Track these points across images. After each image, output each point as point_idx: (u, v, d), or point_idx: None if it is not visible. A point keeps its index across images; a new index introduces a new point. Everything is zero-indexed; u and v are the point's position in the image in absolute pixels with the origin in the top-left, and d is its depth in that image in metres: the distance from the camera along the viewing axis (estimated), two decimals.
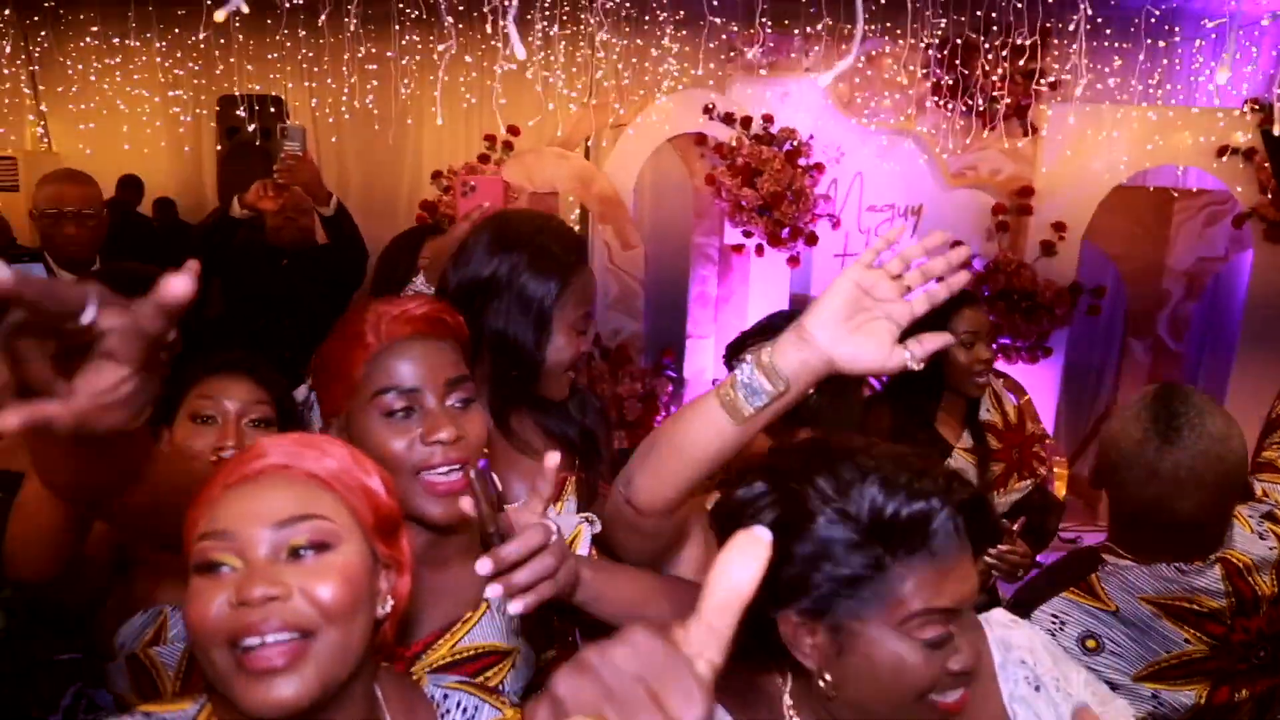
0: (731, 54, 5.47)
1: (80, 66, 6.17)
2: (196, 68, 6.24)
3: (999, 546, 2.20)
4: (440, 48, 4.89)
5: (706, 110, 5.27)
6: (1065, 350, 5.55)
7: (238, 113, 6.00)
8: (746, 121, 5.24)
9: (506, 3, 4.06)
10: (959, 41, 5.02)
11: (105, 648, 1.51)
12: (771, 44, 5.34)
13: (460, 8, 4.69)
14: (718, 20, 5.32)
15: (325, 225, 3.57)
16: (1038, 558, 2.46)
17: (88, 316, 0.73)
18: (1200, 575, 1.63)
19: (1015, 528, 2.25)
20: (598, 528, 1.49)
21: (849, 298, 1.15)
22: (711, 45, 5.46)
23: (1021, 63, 4.98)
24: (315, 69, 5.91)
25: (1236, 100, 5.46)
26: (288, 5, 4.83)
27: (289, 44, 5.63)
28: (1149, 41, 5.44)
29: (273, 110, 5.99)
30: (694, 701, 0.56)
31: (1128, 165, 5.29)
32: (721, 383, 1.18)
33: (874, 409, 2.57)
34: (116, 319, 0.76)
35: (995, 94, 5.14)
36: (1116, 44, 5.59)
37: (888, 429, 2.50)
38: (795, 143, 5.23)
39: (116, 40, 5.93)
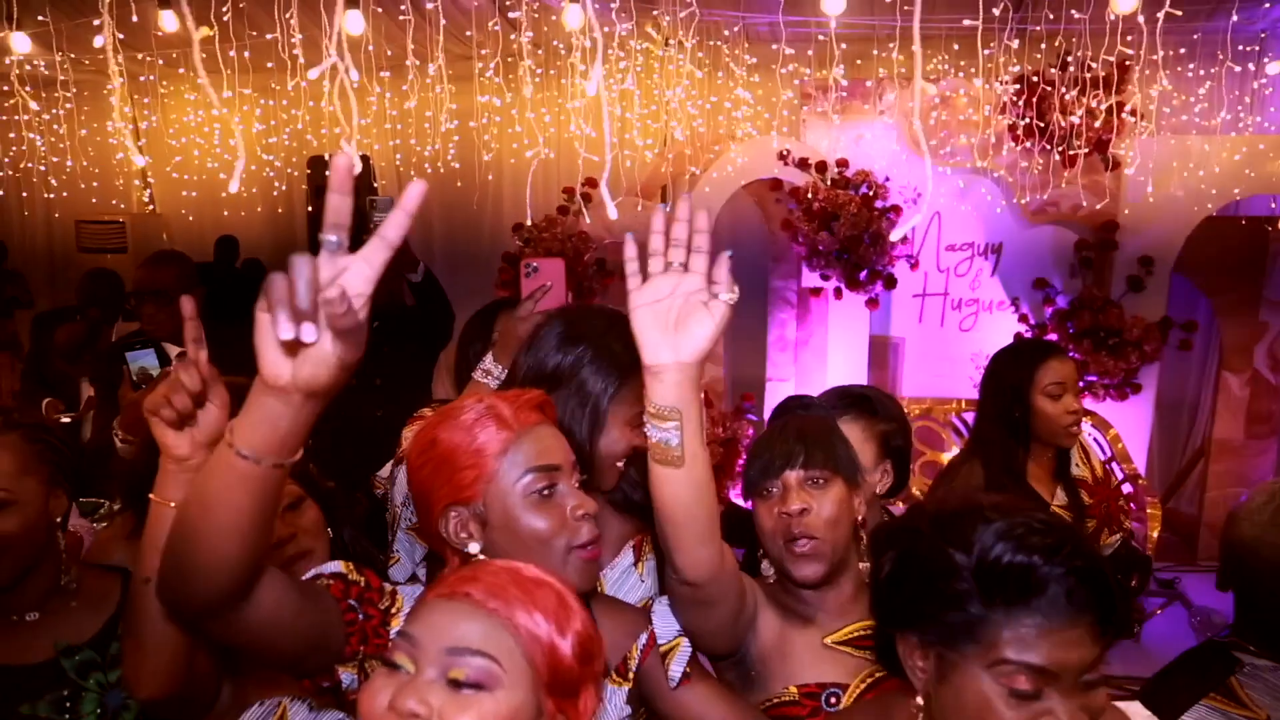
0: (805, 99, 5.52)
1: (181, 133, 6.51)
2: (287, 131, 6.54)
3: None
4: (517, 106, 5.06)
5: (781, 156, 5.32)
6: (1156, 386, 5.40)
7: (326, 173, 6.26)
8: (821, 166, 5.27)
9: (584, 61, 4.20)
10: (1035, 78, 4.98)
11: None
12: (845, 88, 5.38)
13: (538, 71, 4.84)
14: (791, 67, 5.39)
15: (413, 290, 3.70)
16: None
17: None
18: None
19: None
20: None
21: (650, 319, 1.23)
22: (786, 92, 5.51)
23: (1100, 96, 4.92)
24: (399, 127, 6.13)
25: None
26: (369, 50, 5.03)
27: (375, 106, 5.86)
28: (1236, 69, 5.32)
29: (360, 170, 6.24)
30: None
31: (1217, 196, 5.17)
32: (649, 454, 1.30)
33: (964, 467, 2.56)
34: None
35: (1074, 129, 5.08)
36: (1201, 72, 5.48)
37: (980, 485, 2.48)
38: (871, 185, 5.24)
39: (215, 111, 6.26)
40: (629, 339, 1.70)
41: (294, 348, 0.95)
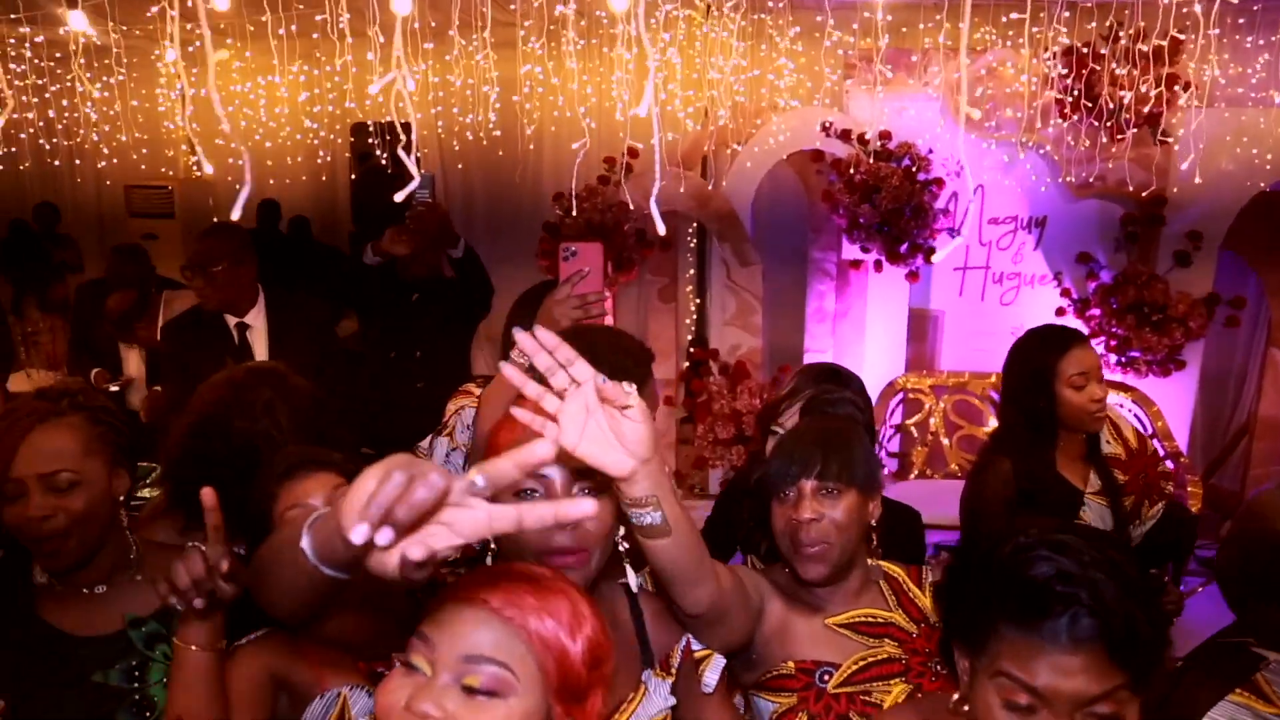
0: (849, 70, 5.46)
1: (228, 100, 6.58)
2: (331, 97, 6.58)
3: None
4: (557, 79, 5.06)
5: (824, 127, 5.28)
6: (1201, 362, 5.34)
7: (368, 139, 6.32)
8: (864, 138, 5.23)
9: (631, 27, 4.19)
10: (1084, 50, 4.89)
11: None
12: (889, 59, 5.31)
13: (579, 42, 4.83)
14: (834, 37, 5.32)
15: (454, 266, 3.76)
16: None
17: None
18: None
19: (1166, 577, 2.24)
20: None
21: (593, 448, 1.22)
22: (829, 63, 5.45)
23: (1151, 69, 4.81)
24: (441, 94, 6.15)
25: None
26: (415, 28, 5.04)
27: (418, 75, 5.87)
28: None
29: (402, 136, 6.28)
30: None
31: (1271, 172, 5.06)
32: (634, 531, 1.34)
33: (991, 466, 2.55)
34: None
35: (1123, 102, 4.99)
36: (1260, 42, 5.33)
37: (1010, 482, 2.48)
38: (913, 158, 5.20)
39: (261, 78, 6.32)
40: (637, 354, 1.78)
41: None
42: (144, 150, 6.44)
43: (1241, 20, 5.05)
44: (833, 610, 1.70)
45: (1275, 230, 5.37)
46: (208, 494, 1.35)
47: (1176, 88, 4.97)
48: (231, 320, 3.38)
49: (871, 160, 5.20)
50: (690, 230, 5.82)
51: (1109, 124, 4.87)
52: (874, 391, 5.33)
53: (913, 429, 5.45)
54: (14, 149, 6.24)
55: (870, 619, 1.69)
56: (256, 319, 3.39)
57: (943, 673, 1.51)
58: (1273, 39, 5.18)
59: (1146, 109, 4.73)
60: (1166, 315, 5.09)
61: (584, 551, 1.39)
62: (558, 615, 1.09)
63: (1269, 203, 5.20)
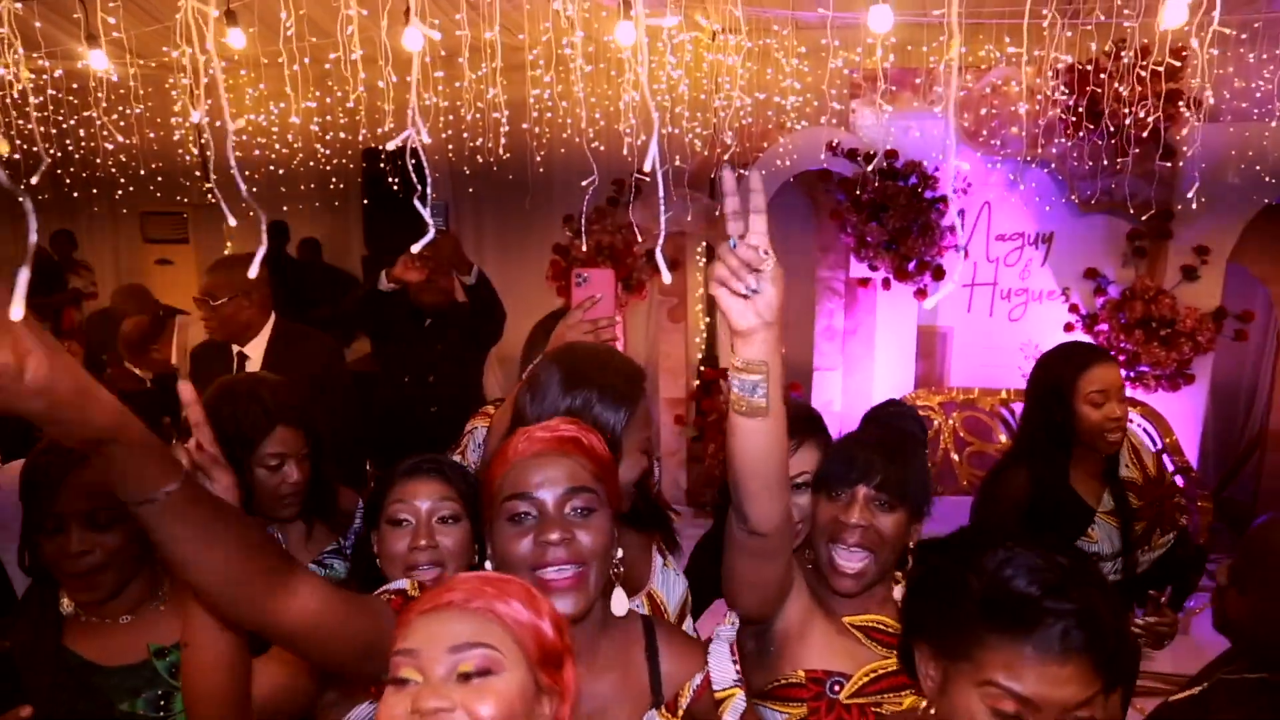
0: (855, 90, 5.51)
1: (241, 130, 6.67)
2: (343, 123, 6.67)
3: (1146, 618, 2.22)
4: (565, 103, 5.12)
5: (830, 147, 5.33)
6: (1211, 376, 5.35)
7: (379, 164, 6.39)
8: (870, 157, 5.28)
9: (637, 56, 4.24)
10: (1088, 66, 4.93)
11: None
12: (894, 79, 5.36)
13: (587, 67, 4.90)
14: (840, 57, 5.38)
15: (467, 291, 3.82)
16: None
17: None
18: None
19: (1164, 599, 2.26)
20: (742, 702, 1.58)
21: (727, 292, 1.29)
22: (834, 83, 5.50)
23: (1149, 87, 4.85)
24: (450, 118, 6.22)
25: None
26: (427, 59, 5.12)
27: (426, 97, 5.94)
28: None
29: (413, 162, 6.35)
30: None
31: (1277, 185, 5.07)
32: (730, 404, 1.37)
33: (1008, 473, 2.58)
34: None
35: (1129, 117, 5.02)
36: (1264, 56, 5.35)
37: (1025, 491, 2.51)
38: (920, 176, 5.24)
39: (274, 106, 6.41)
40: (628, 372, 1.80)
41: None
42: (159, 178, 6.53)
43: (1244, 36, 5.08)
44: (853, 610, 1.71)
45: None
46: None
47: (1180, 104, 5.00)
48: (235, 349, 3.45)
49: (878, 179, 5.24)
50: (699, 250, 5.86)
51: (1113, 141, 4.90)
52: None
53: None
54: (33, 179, 6.32)
55: (884, 627, 1.70)
56: (256, 349, 3.45)
57: None
58: (1277, 52, 5.21)
59: (1148, 129, 4.75)
60: (1175, 330, 5.10)
61: (581, 569, 1.41)
62: (518, 597, 1.18)
63: (1276, 216, 5.22)
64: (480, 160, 6.05)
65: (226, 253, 7.57)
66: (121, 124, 6.17)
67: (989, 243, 5.65)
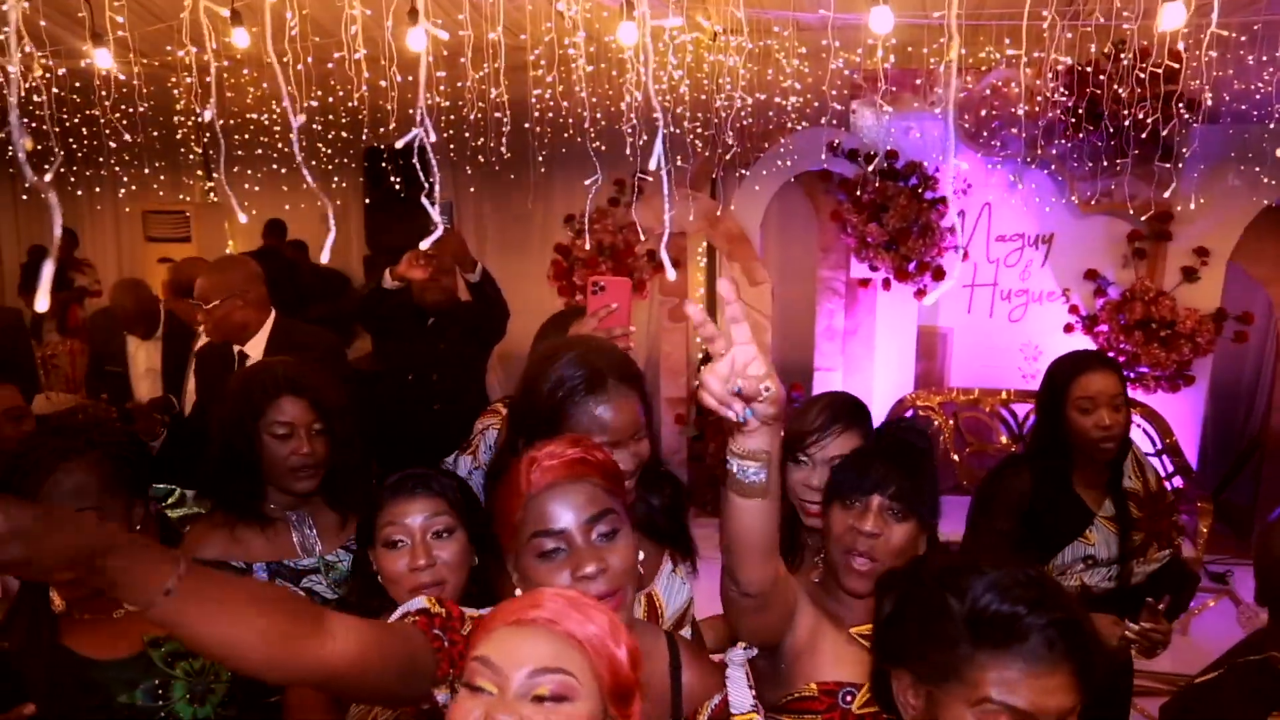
0: (855, 91, 5.53)
1: (243, 128, 6.69)
2: (345, 122, 6.69)
3: (1142, 624, 2.24)
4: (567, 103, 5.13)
5: (830, 147, 5.35)
6: (1210, 377, 5.36)
7: (381, 164, 6.41)
8: (870, 158, 5.29)
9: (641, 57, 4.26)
10: (1088, 68, 4.94)
11: None
12: (895, 80, 5.37)
13: (589, 67, 4.90)
14: (840, 58, 5.39)
15: (470, 289, 3.83)
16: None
17: None
18: None
19: (1161, 606, 2.28)
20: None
21: (724, 393, 1.28)
22: (835, 84, 5.52)
23: (1149, 89, 4.86)
24: (451, 117, 6.24)
25: None
26: (430, 60, 5.13)
27: (428, 97, 5.96)
28: None
29: (414, 161, 6.36)
30: None
31: (1277, 187, 5.09)
32: (727, 483, 1.38)
33: (1010, 473, 2.61)
34: None
35: (1128, 119, 5.03)
36: (1264, 58, 5.37)
37: (1026, 492, 2.53)
38: (920, 177, 5.25)
39: (275, 105, 6.42)
40: (620, 366, 1.81)
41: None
42: (161, 177, 6.55)
43: (1243, 38, 5.09)
44: (858, 620, 1.72)
45: None
46: None
47: (1180, 105, 5.01)
48: (236, 349, 3.47)
49: (878, 180, 5.26)
50: (700, 250, 5.88)
51: (1112, 143, 4.92)
52: (883, 408, 5.38)
53: None
54: (37, 178, 6.34)
55: None
56: (256, 348, 3.45)
57: None
58: (1276, 54, 5.22)
59: (1147, 130, 4.77)
60: (1174, 331, 5.12)
61: (619, 592, 1.44)
62: (600, 625, 1.18)
63: (1276, 218, 5.23)
64: (481, 160, 6.07)
65: (228, 250, 7.61)
66: (124, 122, 6.19)
67: (989, 243, 5.66)
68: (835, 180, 5.48)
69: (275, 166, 6.67)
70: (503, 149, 5.89)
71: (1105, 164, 5.09)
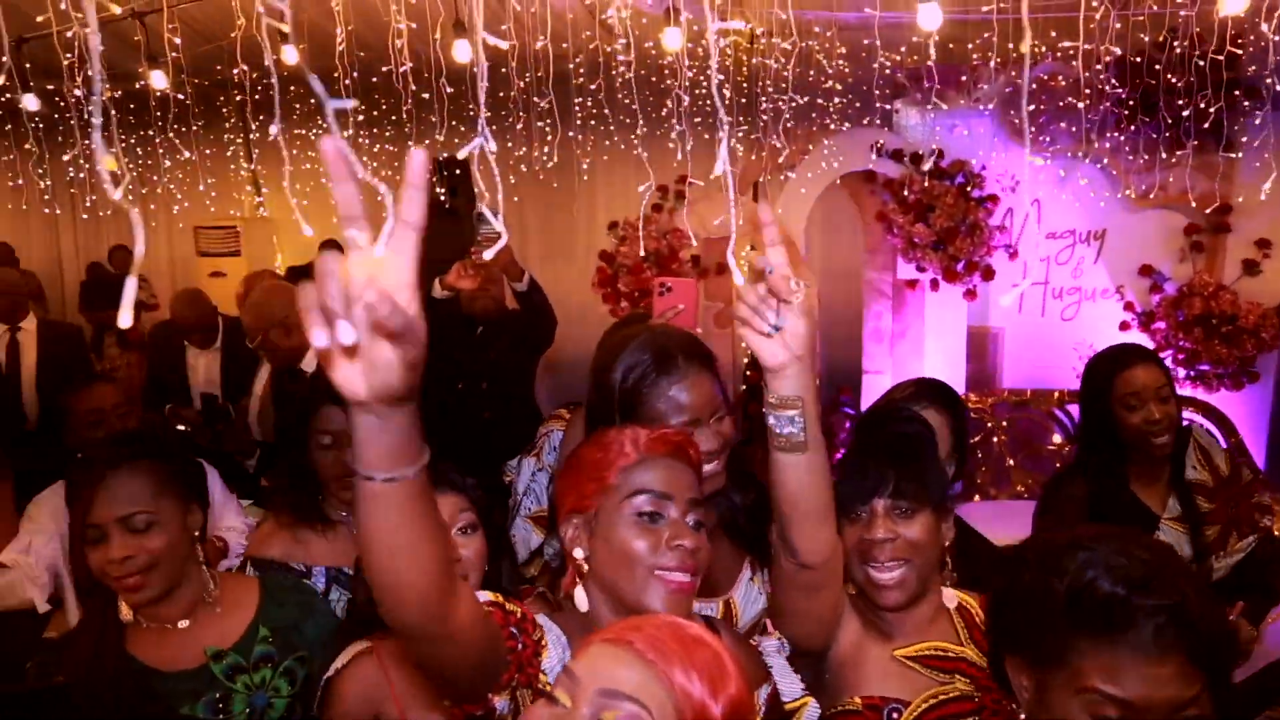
0: (898, 90, 5.47)
1: (291, 143, 6.80)
2: (389, 134, 6.77)
3: None
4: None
5: (874, 148, 5.29)
6: (1276, 373, 5.20)
7: (429, 178, 6.46)
8: (916, 157, 5.23)
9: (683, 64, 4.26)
10: (1139, 59, 4.83)
11: None
12: (939, 77, 5.30)
13: (630, 75, 4.90)
14: (883, 57, 5.33)
15: (519, 298, 3.84)
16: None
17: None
18: None
19: (1235, 614, 2.16)
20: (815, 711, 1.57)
21: (753, 332, 1.28)
22: (878, 83, 5.46)
23: (1209, 77, 4.73)
24: (494, 128, 6.28)
25: None
26: (474, 70, 5.17)
27: (471, 107, 6.01)
28: None
29: (459, 172, 6.44)
30: None
31: None
32: (769, 440, 1.35)
33: (1066, 481, 2.54)
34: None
35: (1187, 109, 4.91)
36: None
37: (1084, 500, 2.46)
38: (967, 175, 5.17)
39: (321, 119, 6.51)
40: (689, 348, 1.79)
41: (353, 355, 0.90)
42: (212, 194, 6.67)
43: None
44: (903, 639, 1.65)
45: None
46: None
47: (1240, 92, 4.87)
48: (304, 369, 3.55)
49: (924, 178, 5.19)
50: (744, 253, 5.85)
51: (1167, 134, 4.80)
52: None
53: (975, 449, 5.39)
54: (95, 196, 6.52)
55: (940, 653, 1.64)
56: (311, 364, 3.54)
57: (1017, 710, 1.46)
58: None
59: (1209, 120, 4.65)
60: (1236, 327, 4.97)
61: (695, 578, 1.40)
62: (700, 668, 1.06)
63: None
64: (524, 169, 6.11)
65: (277, 264, 7.73)
66: (176, 140, 6.34)
67: (1039, 241, 5.57)
68: (880, 180, 5.42)
69: (325, 181, 6.75)
70: (546, 157, 5.93)
71: (1160, 157, 4.97)
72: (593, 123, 5.45)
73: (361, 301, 0.85)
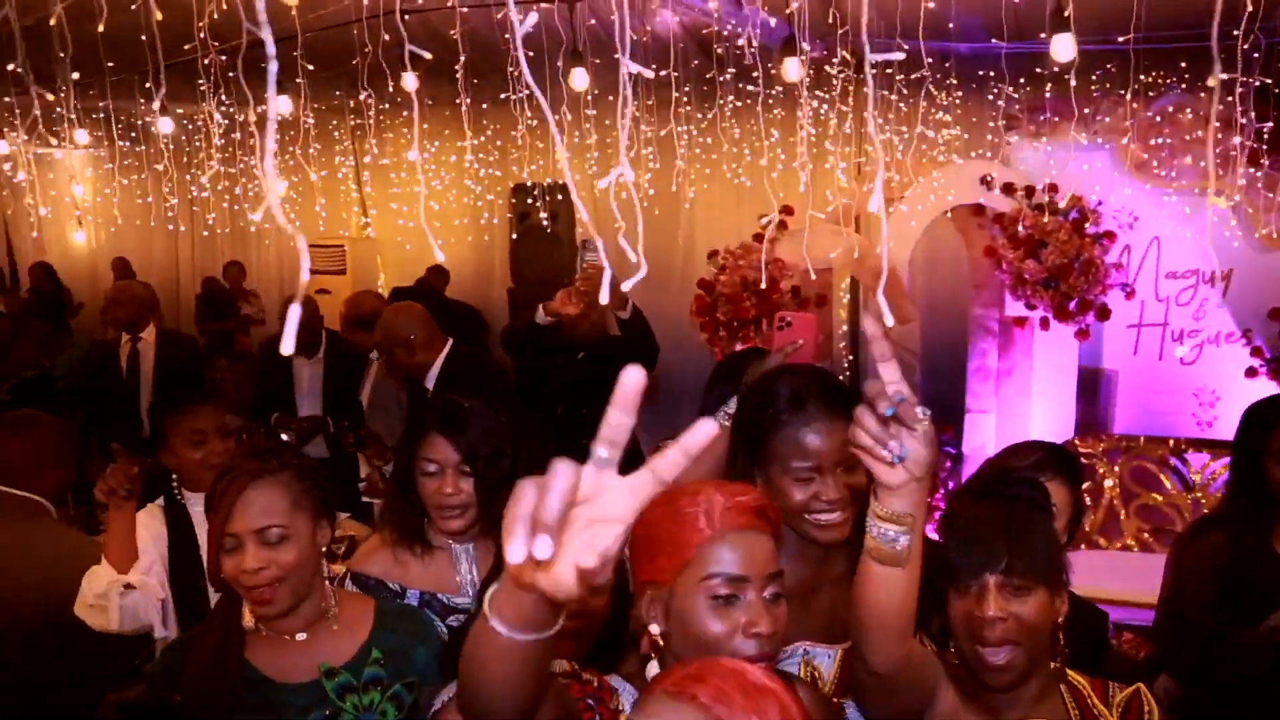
0: (1012, 122, 5.33)
1: (396, 167, 7.01)
2: (494, 156, 6.90)
3: None
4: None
5: (985, 181, 5.15)
6: None
7: (528, 200, 6.56)
8: (1029, 191, 5.06)
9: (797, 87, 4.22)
10: (1274, 87, 4.58)
11: None
12: (1053, 109, 5.15)
13: (733, 103, 4.93)
14: (996, 88, 5.21)
15: (621, 326, 3.85)
16: None
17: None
18: None
19: None
20: None
21: (877, 428, 1.19)
22: (990, 114, 5.34)
23: None
24: (596, 155, 6.35)
25: None
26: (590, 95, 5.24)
27: (576, 133, 6.09)
28: None
29: (560, 197, 6.51)
30: None
31: None
32: (866, 549, 1.28)
33: (1204, 537, 2.42)
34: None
35: None
36: None
37: (1223, 557, 2.32)
38: (1082, 211, 4.99)
39: (429, 144, 6.71)
40: (830, 389, 1.76)
41: (540, 567, 0.87)
42: (323, 214, 6.92)
43: None
44: (1008, 717, 1.55)
45: None
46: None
47: None
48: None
49: (1036, 213, 5.02)
50: (844, 285, 5.76)
51: None
52: None
53: (1084, 496, 5.15)
54: (213, 214, 6.83)
55: None
56: (431, 381, 3.65)
57: None
58: None
59: None
60: None
61: (773, 657, 1.37)
62: (769, 716, 1.05)
63: None
64: (624, 196, 6.12)
65: (379, 282, 7.94)
66: (291, 162, 6.58)
67: (1158, 280, 5.33)
68: (989, 214, 5.26)
69: (430, 203, 6.92)
70: (647, 184, 5.96)
71: None
72: (698, 150, 5.46)
73: (577, 525, 0.84)
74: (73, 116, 3.86)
